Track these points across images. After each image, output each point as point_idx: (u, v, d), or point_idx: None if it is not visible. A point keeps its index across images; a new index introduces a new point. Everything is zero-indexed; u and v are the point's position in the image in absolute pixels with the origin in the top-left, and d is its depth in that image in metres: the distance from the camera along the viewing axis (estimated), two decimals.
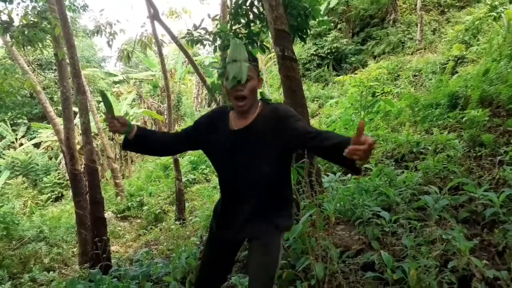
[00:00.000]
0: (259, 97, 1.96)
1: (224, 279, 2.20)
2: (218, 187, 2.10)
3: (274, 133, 1.80)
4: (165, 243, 6.48)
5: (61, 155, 15.32)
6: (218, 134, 1.92)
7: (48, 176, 16.93)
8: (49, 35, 6.78)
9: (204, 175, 11.86)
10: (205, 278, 2.07)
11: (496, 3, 10.61)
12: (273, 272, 1.86)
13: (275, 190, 1.92)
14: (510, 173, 3.18)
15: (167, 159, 13.37)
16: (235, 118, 1.91)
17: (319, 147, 1.62)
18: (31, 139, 19.73)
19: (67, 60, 6.47)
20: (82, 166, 8.49)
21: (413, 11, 15.98)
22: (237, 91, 1.80)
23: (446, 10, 15.17)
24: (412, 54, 13.45)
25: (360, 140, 1.36)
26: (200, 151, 12.29)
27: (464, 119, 5.21)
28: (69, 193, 14.32)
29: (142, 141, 2.01)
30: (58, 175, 17.07)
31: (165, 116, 16.33)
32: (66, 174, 14.17)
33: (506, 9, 9.72)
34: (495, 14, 10.07)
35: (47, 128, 17.26)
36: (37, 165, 17.62)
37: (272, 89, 16.97)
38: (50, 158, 18.83)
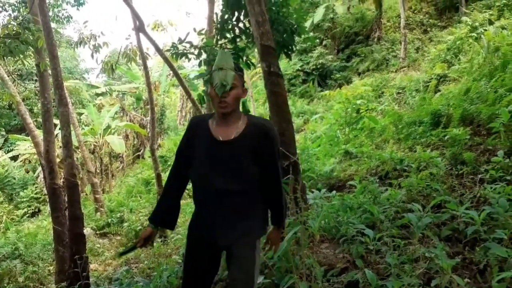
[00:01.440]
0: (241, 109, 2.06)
1: None
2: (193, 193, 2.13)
3: (257, 149, 1.91)
4: (146, 262, 6.32)
5: (39, 169, 14.97)
6: (200, 143, 1.96)
7: (25, 191, 16.51)
8: (31, 47, 6.67)
9: (186, 191, 11.67)
10: None
11: (477, 24, 10.95)
12: (252, 272, 1.91)
13: (253, 198, 1.99)
14: (491, 191, 3.21)
15: (149, 174, 13.20)
16: (217, 126, 1.94)
17: (267, 197, 2.04)
18: (8, 151, 19.26)
19: (49, 71, 6.37)
20: (62, 180, 8.30)
21: (397, 30, 16.36)
22: (221, 97, 1.86)
23: (429, 29, 15.57)
24: (396, 71, 13.71)
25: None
26: None
27: (446, 137, 5.28)
28: (47, 208, 13.97)
29: (168, 219, 2.16)
30: (36, 190, 16.64)
31: (148, 130, 16.18)
32: (44, 189, 13.85)
33: (486, 30, 10.02)
34: (475, 35, 10.37)
35: (25, 140, 16.88)
36: (14, 178, 17.19)
37: (257, 103, 17.03)
38: (28, 172, 18.38)
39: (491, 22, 10.92)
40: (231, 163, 1.90)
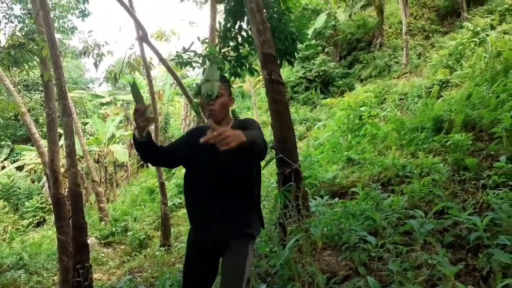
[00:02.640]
0: (231, 115, 2.25)
1: None
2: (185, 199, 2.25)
3: None
4: (149, 270, 6.32)
5: (44, 178, 15.04)
6: (197, 148, 2.01)
7: (30, 200, 16.56)
8: (36, 57, 6.74)
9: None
10: None
11: (478, 29, 10.96)
12: (241, 274, 1.98)
13: (246, 198, 2.14)
14: (493, 197, 3.20)
15: (153, 183, 13.21)
16: (211, 133, 2.01)
17: None
18: (14, 161, 19.38)
19: (54, 81, 6.43)
20: (66, 189, 8.33)
21: (398, 36, 16.41)
22: (209, 105, 2.10)
23: (430, 35, 15.61)
24: (398, 77, 13.73)
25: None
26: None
27: (448, 143, 5.27)
28: (52, 218, 13.98)
29: (151, 146, 2.14)
30: (41, 199, 16.69)
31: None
32: (49, 198, 13.88)
33: (488, 35, 10.03)
34: (477, 40, 10.39)
35: (30, 150, 16.99)
36: (19, 188, 17.26)
37: (260, 111, 17.07)
38: (33, 182, 18.47)
39: (492, 27, 10.94)
40: (222, 164, 2.04)
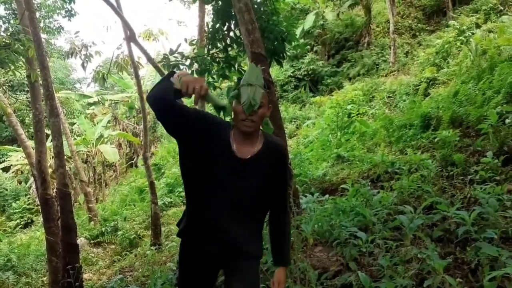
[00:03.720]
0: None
1: None
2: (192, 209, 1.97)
3: (272, 169, 1.88)
4: (140, 270, 6.28)
5: (31, 179, 14.83)
6: (220, 153, 1.81)
7: (17, 202, 16.33)
8: (22, 57, 6.65)
9: (181, 198, 11.67)
10: None
11: (464, 27, 11.12)
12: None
13: (259, 220, 1.98)
14: (481, 192, 3.26)
15: (142, 182, 13.12)
16: (237, 141, 1.83)
17: (271, 223, 2.01)
18: (0, 162, 19.08)
19: (40, 82, 6.35)
20: (54, 190, 8.23)
21: (386, 35, 16.54)
22: (248, 115, 1.74)
23: (417, 33, 15.77)
24: (386, 76, 13.84)
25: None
26: (177, 173, 11.87)
27: (436, 139, 5.35)
28: (39, 219, 13.81)
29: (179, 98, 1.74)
30: (28, 200, 16.47)
31: (141, 138, 16.14)
32: (37, 199, 13.70)
33: (473, 33, 10.18)
34: (463, 38, 10.54)
35: (16, 151, 16.72)
36: (6, 189, 17.01)
37: None
38: (20, 183, 18.20)
39: (478, 26, 11.10)
40: (243, 182, 1.83)
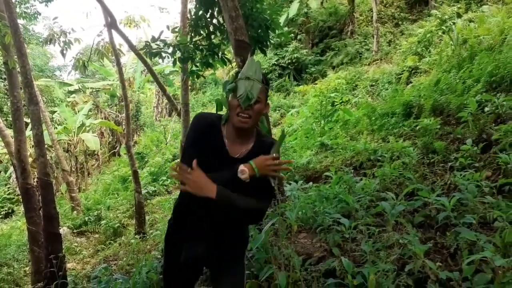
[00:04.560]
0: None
1: None
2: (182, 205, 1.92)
3: None
4: (124, 258, 6.26)
5: (11, 169, 14.53)
6: (214, 152, 1.78)
7: None
8: None
9: (165, 187, 11.63)
10: None
11: (445, 17, 11.25)
12: None
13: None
14: (460, 178, 3.33)
15: (126, 171, 13.00)
16: (230, 139, 1.79)
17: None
18: None
19: (18, 69, 6.19)
20: (35, 179, 8.09)
21: (369, 23, 16.61)
22: (245, 109, 1.70)
23: (400, 22, 15.89)
24: (369, 64, 13.94)
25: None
26: (161, 162, 11.82)
27: (417, 127, 5.44)
28: (20, 208, 13.59)
29: None
30: (8, 190, 16.15)
31: (123, 127, 15.94)
32: (17, 189, 13.46)
33: (454, 23, 10.31)
34: (444, 28, 10.67)
35: None
36: None
37: None
38: None
39: (459, 15, 11.25)
40: (234, 182, 1.71)
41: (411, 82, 9.25)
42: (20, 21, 11.51)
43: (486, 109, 4.76)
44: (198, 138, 1.78)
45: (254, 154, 1.74)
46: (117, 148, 19.14)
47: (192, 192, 1.56)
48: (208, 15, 5.20)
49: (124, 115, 10.57)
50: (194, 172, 1.60)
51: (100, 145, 17.38)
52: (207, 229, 1.82)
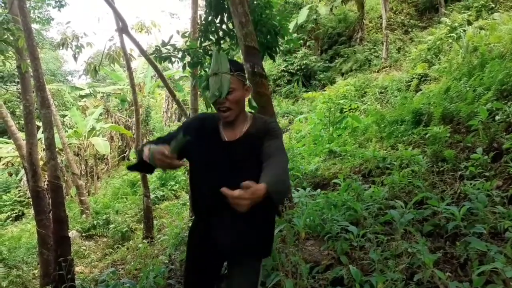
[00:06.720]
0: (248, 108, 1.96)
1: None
2: (192, 200, 2.00)
3: (261, 141, 1.81)
4: (132, 263, 6.28)
5: (22, 172, 14.71)
6: (209, 141, 1.86)
7: (8, 194, 16.19)
8: (12, 47, 6.57)
9: (173, 192, 11.67)
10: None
11: (456, 24, 11.19)
12: None
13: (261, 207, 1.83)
14: (470, 187, 3.30)
15: (135, 175, 13.07)
16: (225, 128, 1.89)
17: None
18: None
19: (31, 73, 6.28)
20: (45, 183, 8.17)
21: (379, 30, 16.59)
22: (220, 104, 1.80)
23: (409, 29, 15.83)
24: (378, 71, 13.89)
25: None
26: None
27: (427, 135, 5.40)
28: (31, 211, 13.73)
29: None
30: (19, 193, 16.34)
31: (133, 131, 16.05)
32: (28, 192, 13.60)
33: (465, 30, 10.25)
34: (454, 35, 10.60)
35: (7, 143, 16.54)
36: None
37: None
38: (11, 175, 18.03)
39: (469, 23, 11.17)
40: (233, 163, 1.80)
41: (420, 90, 9.19)
42: (34, 26, 11.69)
43: (497, 117, 4.71)
44: (195, 125, 1.91)
45: (252, 132, 1.85)
46: (127, 153, 19.28)
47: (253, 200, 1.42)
48: (218, 21, 5.24)
49: (134, 119, 10.64)
50: (242, 193, 1.41)
51: (110, 149, 17.53)
52: (215, 217, 1.85)
